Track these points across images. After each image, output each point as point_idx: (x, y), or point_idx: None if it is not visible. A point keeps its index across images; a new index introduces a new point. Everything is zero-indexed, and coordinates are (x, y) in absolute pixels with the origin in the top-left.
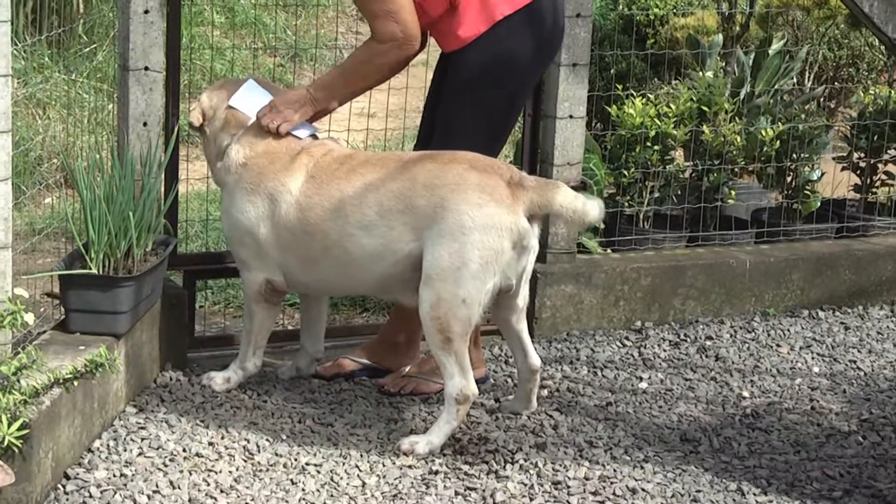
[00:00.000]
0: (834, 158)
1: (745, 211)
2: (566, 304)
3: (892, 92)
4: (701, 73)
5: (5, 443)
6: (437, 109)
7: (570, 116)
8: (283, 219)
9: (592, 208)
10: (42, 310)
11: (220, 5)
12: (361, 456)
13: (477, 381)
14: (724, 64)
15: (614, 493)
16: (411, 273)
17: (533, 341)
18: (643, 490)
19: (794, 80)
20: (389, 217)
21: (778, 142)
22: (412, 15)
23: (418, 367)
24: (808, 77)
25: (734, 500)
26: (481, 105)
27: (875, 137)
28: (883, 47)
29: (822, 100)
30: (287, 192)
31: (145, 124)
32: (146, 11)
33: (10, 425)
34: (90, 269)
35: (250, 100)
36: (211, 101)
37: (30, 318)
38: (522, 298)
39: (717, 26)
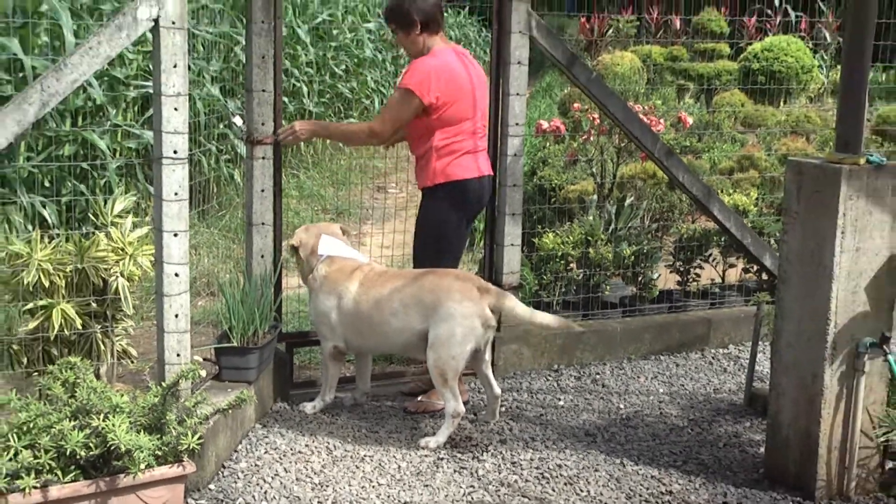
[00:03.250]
0: (665, 266)
1: (616, 298)
2: (512, 356)
3: (696, 227)
4: (586, 217)
5: (190, 447)
6: None
7: (511, 244)
8: (346, 309)
9: (524, 313)
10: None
11: (295, 185)
12: (397, 450)
13: (463, 403)
14: (599, 212)
15: (548, 468)
16: (420, 342)
17: (494, 377)
18: (565, 465)
19: (639, 220)
20: (408, 309)
21: (633, 257)
22: (394, 127)
23: (427, 396)
24: (647, 218)
25: (619, 469)
26: (421, 232)
27: (688, 253)
28: (689, 201)
29: (655, 232)
30: (348, 292)
31: (262, 257)
32: (262, 190)
33: (191, 436)
34: (233, 343)
35: (326, 243)
36: (303, 235)
37: (203, 372)
38: (488, 354)
39: (593, 190)
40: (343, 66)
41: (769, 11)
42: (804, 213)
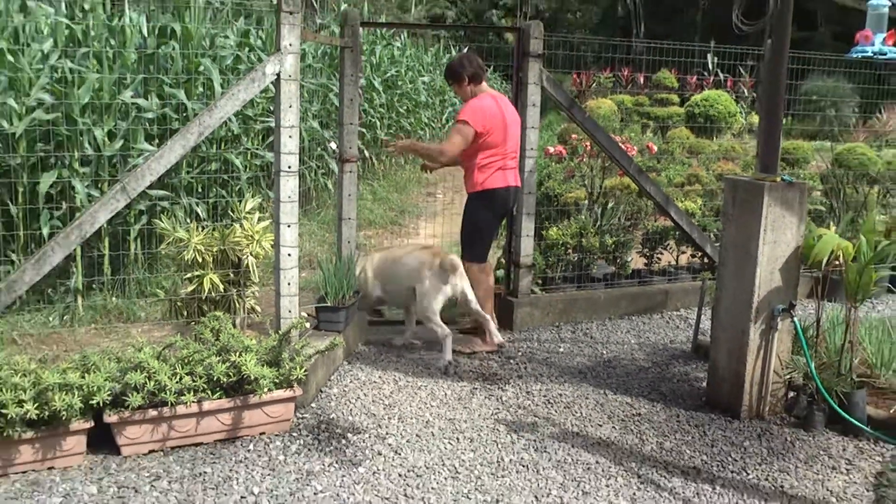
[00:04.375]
0: (636, 252)
1: (601, 274)
2: (526, 316)
3: (658, 224)
4: (580, 216)
5: (298, 377)
6: None
7: (527, 235)
8: (375, 266)
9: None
10: (308, 323)
11: (370, 191)
12: (444, 381)
13: (497, 348)
14: (589, 213)
15: (552, 396)
16: (411, 293)
17: (512, 333)
18: (564, 394)
19: (618, 218)
20: (403, 270)
21: (613, 245)
22: (458, 149)
23: (463, 345)
24: (623, 218)
25: (603, 397)
26: (466, 226)
27: (652, 243)
28: (653, 206)
29: (628, 227)
30: (374, 259)
31: (349, 242)
32: (349, 195)
33: (299, 369)
34: (328, 303)
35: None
36: (364, 263)
37: (308, 325)
38: (473, 303)
39: (585, 196)
40: (405, 107)
41: (705, 73)
42: (737, 215)
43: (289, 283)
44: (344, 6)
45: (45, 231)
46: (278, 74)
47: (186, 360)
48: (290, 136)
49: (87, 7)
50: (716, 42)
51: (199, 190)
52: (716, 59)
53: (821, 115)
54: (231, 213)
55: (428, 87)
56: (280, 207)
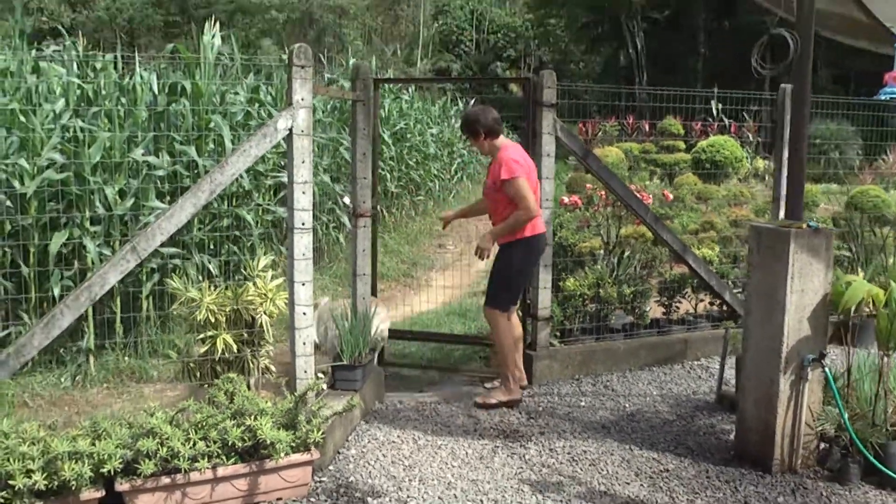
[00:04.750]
0: (654, 301)
1: (619, 325)
2: (545, 368)
3: (675, 272)
4: (596, 266)
5: (315, 440)
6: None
7: (544, 287)
8: None
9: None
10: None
11: (381, 244)
12: (464, 440)
13: (513, 403)
14: (606, 262)
15: (576, 453)
16: None
17: (531, 387)
18: (589, 451)
19: (634, 267)
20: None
21: (631, 294)
22: (534, 202)
23: (484, 398)
24: (638, 266)
25: (629, 453)
26: (500, 274)
27: (670, 292)
28: (668, 252)
29: (645, 275)
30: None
31: (363, 298)
32: (363, 250)
33: (317, 432)
34: (344, 361)
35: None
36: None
37: (324, 385)
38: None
39: (600, 246)
40: (414, 160)
41: (710, 118)
42: (762, 262)
43: (304, 343)
44: (353, 60)
45: (57, 291)
46: (290, 129)
47: (200, 425)
48: (303, 192)
49: (98, 66)
50: (717, 88)
51: (211, 247)
52: (720, 104)
53: (825, 159)
54: (244, 271)
55: (436, 139)
56: (294, 265)
